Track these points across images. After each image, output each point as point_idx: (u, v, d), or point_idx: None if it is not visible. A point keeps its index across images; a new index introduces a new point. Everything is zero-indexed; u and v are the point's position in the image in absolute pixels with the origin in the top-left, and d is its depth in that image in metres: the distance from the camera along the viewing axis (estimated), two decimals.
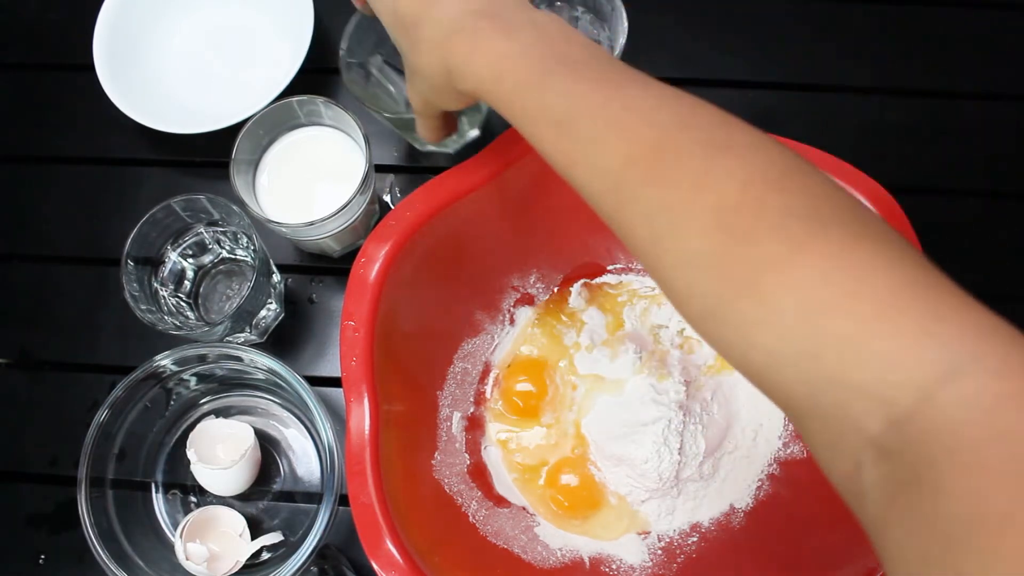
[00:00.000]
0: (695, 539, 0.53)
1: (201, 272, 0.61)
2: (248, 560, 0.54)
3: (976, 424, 0.24)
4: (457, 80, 0.39)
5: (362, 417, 0.45)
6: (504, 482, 0.55)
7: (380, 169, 0.65)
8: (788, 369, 0.28)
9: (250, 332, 0.58)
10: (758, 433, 0.54)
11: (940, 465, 0.24)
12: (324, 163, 0.56)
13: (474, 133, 0.60)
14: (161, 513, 0.56)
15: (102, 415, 0.52)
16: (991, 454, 0.23)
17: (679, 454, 0.52)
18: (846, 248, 0.28)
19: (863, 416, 0.26)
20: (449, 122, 0.48)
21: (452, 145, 0.61)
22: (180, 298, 0.59)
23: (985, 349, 0.26)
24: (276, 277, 0.59)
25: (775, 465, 0.54)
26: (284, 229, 0.53)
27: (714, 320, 0.30)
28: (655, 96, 0.35)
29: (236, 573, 0.54)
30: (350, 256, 0.62)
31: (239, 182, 0.53)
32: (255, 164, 0.57)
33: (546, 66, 0.36)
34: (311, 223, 0.51)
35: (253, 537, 0.55)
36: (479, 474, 0.55)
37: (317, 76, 0.66)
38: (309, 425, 0.57)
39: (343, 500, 0.49)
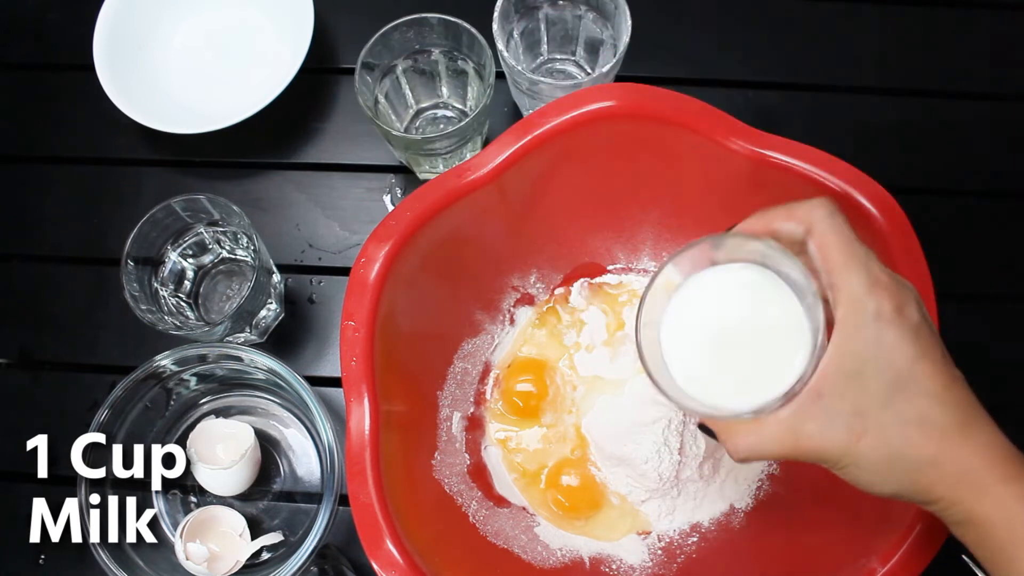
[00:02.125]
0: (695, 539, 0.53)
1: (201, 272, 0.61)
2: (248, 560, 0.54)
3: None
4: (944, 497, 0.34)
5: (362, 417, 0.45)
6: (504, 482, 0.55)
7: (380, 169, 0.65)
8: None
9: (250, 332, 0.58)
10: None
11: None
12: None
13: None
14: (161, 513, 0.56)
15: (102, 415, 0.52)
16: None
17: (679, 454, 0.52)
18: None
19: None
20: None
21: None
22: (180, 298, 0.59)
23: None
24: (276, 277, 0.59)
25: (775, 465, 0.54)
26: None
27: None
28: None
29: (236, 573, 0.54)
30: (350, 256, 0.63)
31: None
32: None
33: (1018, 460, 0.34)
34: None
35: (253, 537, 0.55)
36: (479, 474, 0.55)
37: (317, 76, 0.67)
38: (309, 425, 0.57)
39: (343, 500, 0.49)
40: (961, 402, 0.34)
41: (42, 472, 0.59)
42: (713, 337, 0.37)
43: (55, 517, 0.59)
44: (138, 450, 0.55)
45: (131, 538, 0.53)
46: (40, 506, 0.58)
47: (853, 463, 0.34)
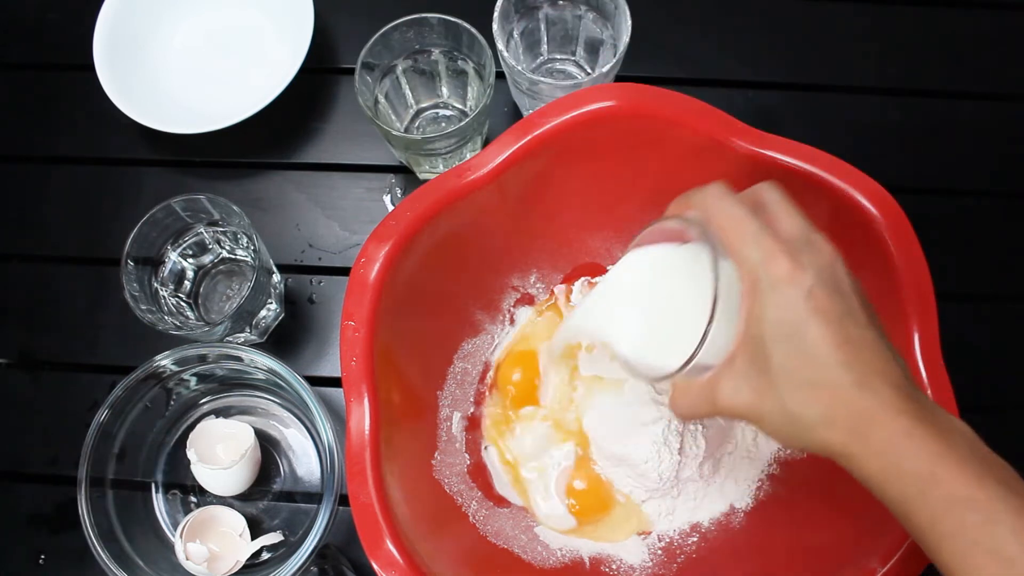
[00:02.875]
0: (695, 539, 0.53)
1: (201, 272, 0.61)
2: (248, 560, 0.54)
3: None
4: (846, 460, 0.35)
5: (362, 417, 0.45)
6: (504, 482, 0.55)
7: (380, 169, 0.65)
8: None
9: (250, 332, 0.58)
10: (758, 433, 0.54)
11: None
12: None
13: None
14: (161, 513, 0.56)
15: (102, 415, 0.52)
16: None
17: (679, 454, 0.52)
18: None
19: None
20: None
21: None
22: (180, 298, 0.59)
23: None
24: (276, 277, 0.59)
25: (775, 465, 0.54)
26: None
27: None
28: None
29: (236, 573, 0.54)
30: (350, 256, 0.63)
31: None
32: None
33: (989, 490, 0.32)
34: None
35: (253, 537, 0.55)
36: (479, 474, 0.55)
37: (317, 76, 0.67)
38: (309, 425, 0.57)
39: (343, 500, 0.49)
40: (855, 361, 0.34)
41: (42, 472, 0.59)
42: (644, 308, 0.41)
43: (55, 517, 0.59)
44: (138, 450, 0.56)
45: (131, 538, 0.53)
46: (41, 506, 0.58)
47: (763, 421, 0.36)
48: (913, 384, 0.35)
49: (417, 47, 0.59)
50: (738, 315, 0.36)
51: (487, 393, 0.57)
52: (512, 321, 0.58)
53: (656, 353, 0.40)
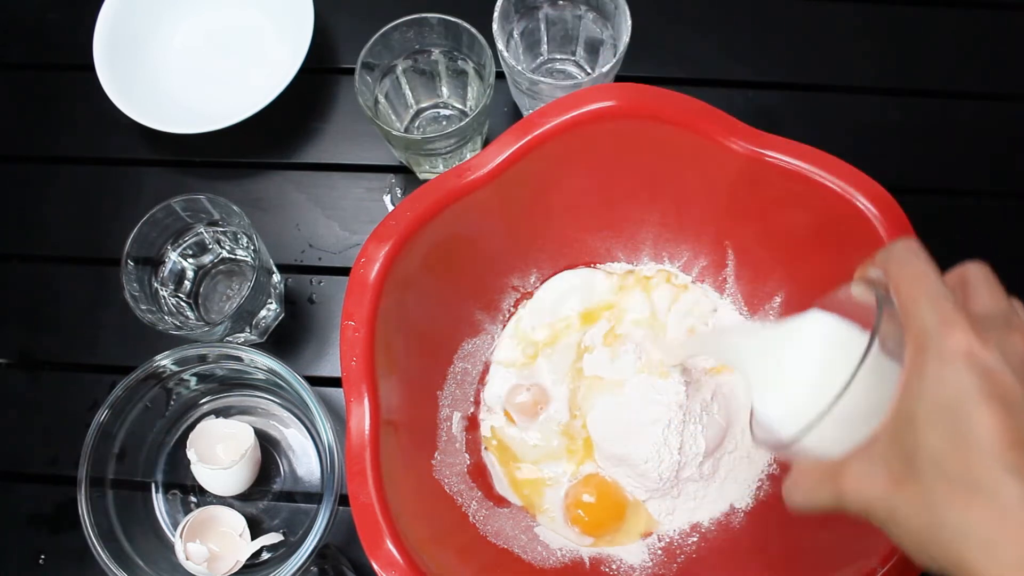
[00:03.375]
0: (695, 539, 0.53)
1: (201, 272, 0.61)
2: (248, 560, 0.54)
3: None
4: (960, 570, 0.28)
5: (362, 417, 0.45)
6: (504, 482, 0.55)
7: (380, 169, 0.65)
8: None
9: (250, 332, 0.58)
10: None
11: None
12: None
13: None
14: (161, 513, 0.56)
15: (102, 415, 0.52)
16: None
17: (679, 454, 0.52)
18: None
19: None
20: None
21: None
22: (180, 298, 0.59)
23: None
24: (276, 277, 0.59)
25: (775, 465, 0.54)
26: None
27: None
28: None
29: (236, 573, 0.54)
30: (350, 256, 0.63)
31: None
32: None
33: None
34: None
35: (253, 537, 0.55)
36: (479, 474, 0.55)
37: (317, 76, 0.67)
38: (309, 425, 0.57)
39: (343, 500, 0.49)
40: None
41: (42, 472, 0.59)
42: (800, 373, 0.36)
43: (55, 517, 0.59)
44: (138, 450, 0.56)
45: (131, 538, 0.53)
46: (41, 506, 0.58)
47: (896, 520, 0.30)
48: None
49: (417, 47, 0.59)
50: (894, 392, 0.31)
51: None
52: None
53: (785, 414, 0.35)
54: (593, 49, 0.61)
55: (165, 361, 0.53)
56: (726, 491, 0.54)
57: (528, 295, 0.58)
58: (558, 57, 0.63)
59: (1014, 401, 0.28)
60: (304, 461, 0.58)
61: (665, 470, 0.52)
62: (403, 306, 0.49)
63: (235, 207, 0.54)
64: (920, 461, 0.29)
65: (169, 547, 0.54)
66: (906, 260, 0.32)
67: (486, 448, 0.56)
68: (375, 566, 0.42)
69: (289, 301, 0.62)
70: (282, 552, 0.55)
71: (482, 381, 0.57)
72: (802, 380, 0.36)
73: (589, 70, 0.63)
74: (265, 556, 0.55)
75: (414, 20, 0.56)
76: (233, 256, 0.61)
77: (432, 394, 0.54)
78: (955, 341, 0.29)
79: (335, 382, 0.60)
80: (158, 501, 0.57)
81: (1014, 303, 0.32)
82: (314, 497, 0.57)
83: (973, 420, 0.28)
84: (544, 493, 0.54)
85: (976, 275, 0.33)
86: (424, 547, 0.45)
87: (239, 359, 0.53)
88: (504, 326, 0.58)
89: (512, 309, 0.58)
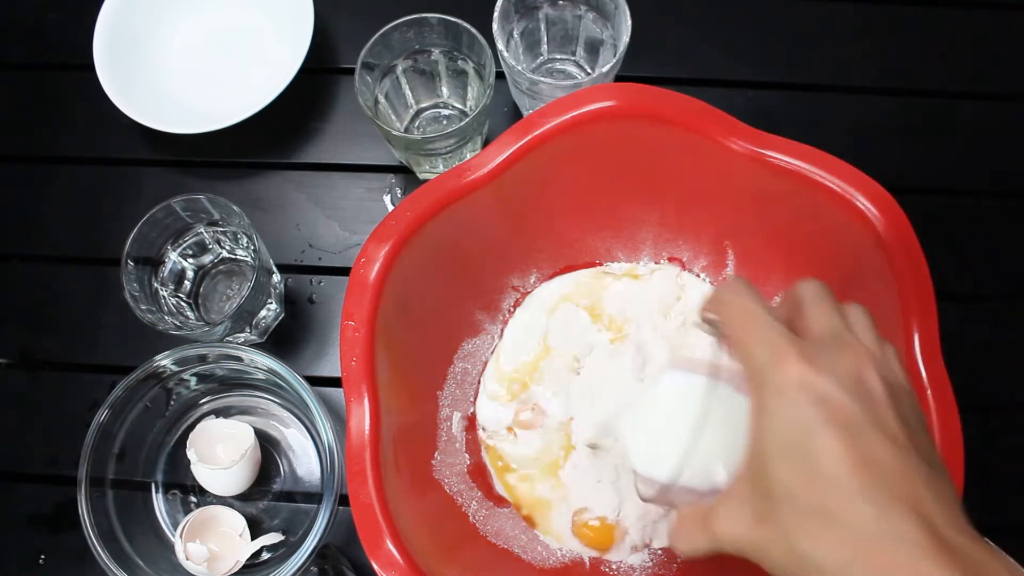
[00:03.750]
0: None
1: (201, 272, 0.61)
2: (248, 560, 0.54)
3: None
4: None
5: (362, 417, 0.45)
6: (503, 491, 0.55)
7: (380, 169, 0.65)
8: None
9: (250, 332, 0.58)
10: None
11: None
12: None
13: None
14: (161, 513, 0.56)
15: (102, 415, 0.52)
16: None
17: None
18: None
19: None
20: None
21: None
22: (180, 298, 0.59)
23: None
24: (276, 277, 0.59)
25: None
26: None
27: None
28: None
29: (236, 573, 0.54)
30: (350, 256, 0.63)
31: None
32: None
33: None
34: None
35: (253, 537, 0.55)
36: (479, 474, 0.55)
37: (317, 76, 0.67)
38: (309, 425, 0.57)
39: (343, 500, 0.49)
40: (876, 487, 0.27)
41: (42, 472, 0.59)
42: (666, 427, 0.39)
43: (55, 517, 0.59)
44: (138, 450, 0.56)
45: (131, 538, 0.53)
46: (41, 506, 0.58)
47: (766, 557, 0.30)
48: (954, 509, 0.28)
49: (417, 47, 0.59)
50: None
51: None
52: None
53: (657, 464, 0.37)
54: (593, 49, 0.61)
55: (165, 361, 0.53)
56: None
57: (526, 294, 0.58)
58: (558, 57, 0.63)
59: (853, 423, 0.28)
60: (304, 461, 0.58)
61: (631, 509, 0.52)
62: (403, 306, 0.49)
63: (235, 207, 0.54)
64: (776, 497, 0.29)
65: (169, 547, 0.54)
66: (732, 300, 0.32)
67: (486, 452, 0.56)
68: (375, 566, 0.42)
69: (289, 301, 0.62)
70: (282, 552, 0.55)
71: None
72: (666, 433, 0.38)
73: (589, 70, 0.63)
74: (265, 556, 0.55)
75: (414, 20, 0.56)
76: (233, 256, 0.61)
77: (432, 394, 0.54)
78: (787, 374, 0.29)
79: (335, 382, 0.60)
80: (158, 501, 0.57)
81: (850, 313, 0.33)
82: (314, 497, 0.57)
83: (817, 449, 0.28)
84: (550, 518, 0.54)
85: (806, 294, 0.33)
86: (424, 547, 0.45)
87: (239, 359, 0.53)
88: (504, 326, 0.58)
89: (512, 310, 0.58)
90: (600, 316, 0.57)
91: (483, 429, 0.56)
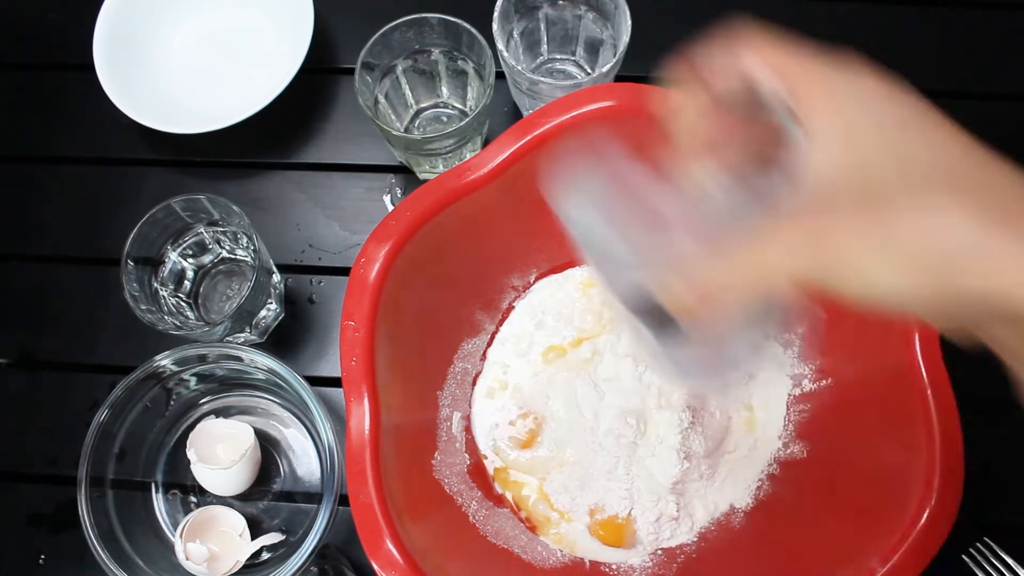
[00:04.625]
0: (695, 539, 0.53)
1: (201, 272, 0.61)
2: (248, 560, 0.54)
3: None
4: (966, 299, 0.26)
5: (362, 417, 0.45)
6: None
7: (380, 169, 0.65)
8: None
9: (250, 332, 0.58)
10: (758, 433, 0.54)
11: None
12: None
13: None
14: (161, 513, 0.56)
15: (102, 415, 0.52)
16: None
17: (686, 460, 0.52)
18: None
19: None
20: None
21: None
22: (180, 298, 0.59)
23: None
24: (276, 277, 0.59)
25: (775, 465, 0.54)
26: None
27: None
28: None
29: (236, 573, 0.54)
30: (350, 256, 0.63)
31: None
32: None
33: None
34: None
35: (253, 537, 0.55)
36: (479, 474, 0.55)
37: (317, 76, 0.67)
38: (309, 425, 0.57)
39: (343, 500, 0.49)
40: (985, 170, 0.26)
41: (42, 472, 0.59)
42: None
43: (55, 517, 0.59)
44: (138, 450, 0.56)
45: (131, 538, 0.53)
46: (41, 506, 0.58)
47: (846, 274, 0.26)
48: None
49: (417, 47, 0.59)
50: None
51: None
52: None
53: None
54: (593, 49, 0.61)
55: (165, 361, 0.53)
56: (726, 491, 0.54)
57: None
58: (558, 57, 0.63)
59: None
60: (304, 461, 0.58)
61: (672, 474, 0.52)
62: (403, 306, 0.49)
63: (235, 207, 0.54)
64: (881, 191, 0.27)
65: (169, 547, 0.54)
66: (788, 62, 0.32)
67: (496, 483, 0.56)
68: (375, 566, 0.42)
69: (289, 301, 0.62)
70: (282, 552, 0.55)
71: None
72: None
73: (589, 70, 0.63)
74: (265, 556, 0.55)
75: (414, 20, 0.56)
76: (233, 256, 0.61)
77: (432, 394, 0.54)
78: (865, 79, 0.30)
79: (335, 382, 0.60)
80: (158, 501, 0.57)
81: None
82: (314, 497, 0.57)
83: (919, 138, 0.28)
84: (563, 532, 0.54)
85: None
86: (424, 547, 0.45)
87: (239, 359, 0.53)
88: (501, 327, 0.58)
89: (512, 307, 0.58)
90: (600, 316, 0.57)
91: (489, 442, 0.56)
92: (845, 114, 0.29)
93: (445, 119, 0.64)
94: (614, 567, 0.53)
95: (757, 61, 0.32)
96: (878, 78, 0.30)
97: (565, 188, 0.36)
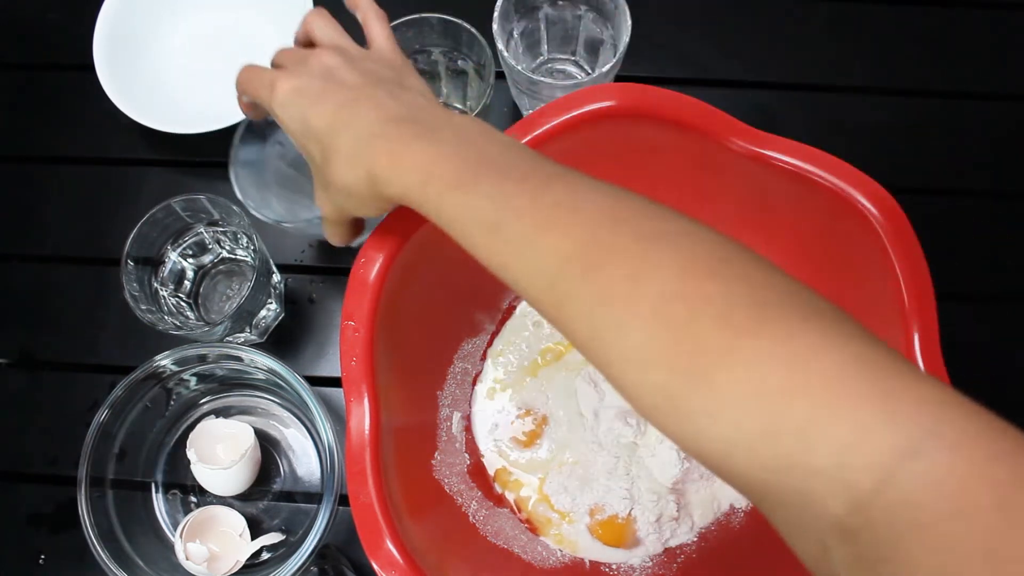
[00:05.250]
0: (695, 539, 0.53)
1: (201, 272, 0.61)
2: (248, 560, 0.54)
3: (937, 502, 0.24)
4: (382, 186, 0.38)
5: (362, 417, 0.45)
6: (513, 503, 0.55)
7: None
8: (744, 456, 0.27)
9: (250, 332, 0.58)
10: None
11: (905, 545, 0.24)
12: None
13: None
14: (161, 513, 0.56)
15: (102, 415, 0.52)
16: (954, 531, 0.23)
17: (687, 460, 0.52)
18: (793, 332, 0.27)
19: (825, 499, 0.25)
20: (358, 225, 0.47)
21: (358, 241, 0.53)
22: (180, 298, 0.59)
23: (941, 425, 0.25)
24: (276, 277, 0.59)
25: None
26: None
27: (666, 413, 0.29)
28: (583, 191, 0.34)
29: (236, 573, 0.54)
30: (350, 256, 0.62)
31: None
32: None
33: (471, 168, 0.35)
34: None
35: (253, 537, 0.55)
36: (479, 474, 0.55)
37: None
38: (309, 425, 0.57)
39: (343, 500, 0.49)
40: (349, 122, 0.38)
41: (42, 472, 0.59)
42: None
43: (55, 517, 0.59)
44: (138, 450, 0.56)
45: (131, 538, 0.53)
46: (41, 506, 0.58)
47: (347, 198, 0.40)
48: (420, 107, 0.39)
49: (417, 47, 0.59)
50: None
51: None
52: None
53: None
54: (593, 49, 0.61)
55: (165, 361, 0.53)
56: (726, 491, 0.54)
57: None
58: (558, 57, 0.63)
59: (319, 91, 0.40)
60: (304, 461, 0.58)
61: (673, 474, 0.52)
62: (403, 306, 0.49)
63: (235, 207, 0.54)
64: (320, 161, 0.40)
65: (169, 547, 0.54)
66: (240, 77, 0.45)
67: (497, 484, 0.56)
68: (375, 566, 0.42)
69: (289, 301, 0.62)
70: (282, 552, 0.55)
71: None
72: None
73: (589, 70, 0.63)
74: (265, 556, 0.55)
75: (414, 20, 0.56)
76: (233, 256, 0.61)
77: (432, 394, 0.54)
78: (279, 90, 0.40)
79: (335, 382, 0.60)
80: (158, 501, 0.57)
81: (313, 28, 0.44)
82: (314, 497, 0.57)
83: (312, 120, 0.39)
84: (564, 533, 0.54)
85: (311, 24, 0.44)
86: (424, 547, 0.45)
87: (239, 359, 0.53)
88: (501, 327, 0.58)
89: (513, 307, 0.58)
90: None
91: (489, 443, 0.56)
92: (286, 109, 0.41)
93: None
94: (614, 567, 0.53)
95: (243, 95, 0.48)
96: None
97: None
